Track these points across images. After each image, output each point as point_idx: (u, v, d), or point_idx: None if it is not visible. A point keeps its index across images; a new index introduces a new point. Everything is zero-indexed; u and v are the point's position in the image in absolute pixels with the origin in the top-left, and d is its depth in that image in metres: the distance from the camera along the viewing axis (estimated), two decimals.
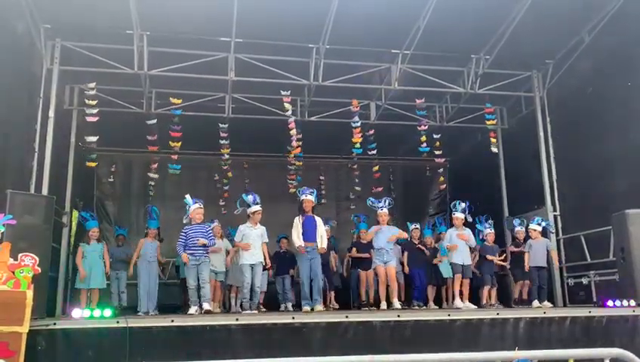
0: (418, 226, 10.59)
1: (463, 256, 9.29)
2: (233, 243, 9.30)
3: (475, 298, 9.73)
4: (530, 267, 9.48)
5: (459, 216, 9.41)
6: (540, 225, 9.69)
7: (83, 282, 8.84)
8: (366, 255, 9.88)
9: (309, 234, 8.37)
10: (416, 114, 11.65)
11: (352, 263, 10.61)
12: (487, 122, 11.63)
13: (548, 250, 9.59)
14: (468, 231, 9.42)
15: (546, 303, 9.31)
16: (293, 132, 11.24)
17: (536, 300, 9.30)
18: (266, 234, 8.54)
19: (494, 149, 11.87)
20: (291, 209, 9.32)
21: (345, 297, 11.07)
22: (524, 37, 9.50)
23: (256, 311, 8.26)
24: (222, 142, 11.70)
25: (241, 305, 8.63)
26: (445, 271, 10.10)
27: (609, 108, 9.36)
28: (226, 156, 12.16)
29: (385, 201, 9.31)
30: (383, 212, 9.17)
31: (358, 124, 11.30)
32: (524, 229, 9.94)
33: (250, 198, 8.56)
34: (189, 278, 8.01)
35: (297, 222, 8.46)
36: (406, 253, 10.28)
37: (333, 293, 10.65)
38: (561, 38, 10.06)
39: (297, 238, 8.35)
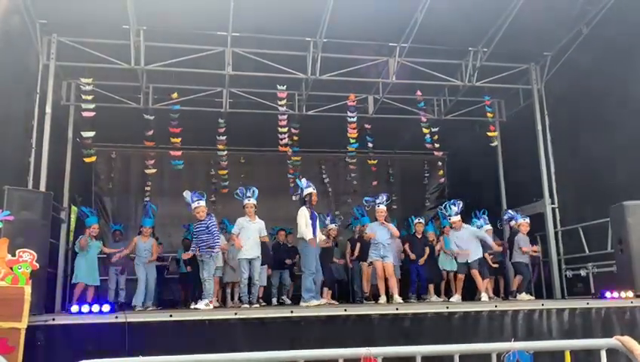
0: (422, 221, 10.57)
1: (473, 254, 9.32)
2: (228, 237, 9.31)
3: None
4: (521, 262, 9.57)
5: (455, 219, 9.45)
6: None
7: (79, 277, 8.88)
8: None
9: (314, 228, 8.36)
10: (415, 107, 11.63)
11: (355, 257, 10.60)
12: (487, 114, 11.61)
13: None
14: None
15: (524, 295, 9.37)
16: (284, 129, 11.23)
17: (524, 293, 9.38)
18: (264, 229, 8.55)
19: (494, 143, 11.84)
20: (288, 203, 9.32)
21: (345, 290, 11.10)
22: (521, 29, 9.48)
23: (257, 305, 8.29)
24: (219, 138, 11.69)
25: (239, 299, 8.64)
26: (449, 265, 10.15)
27: (607, 100, 9.35)
28: (224, 152, 12.15)
29: (382, 197, 9.32)
30: (381, 208, 9.17)
31: (354, 118, 11.27)
32: (528, 220, 9.93)
33: (242, 191, 8.58)
34: (199, 272, 8.20)
35: (306, 213, 8.34)
36: (407, 245, 10.31)
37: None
38: (559, 30, 10.04)
39: (307, 229, 8.25)
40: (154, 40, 9.44)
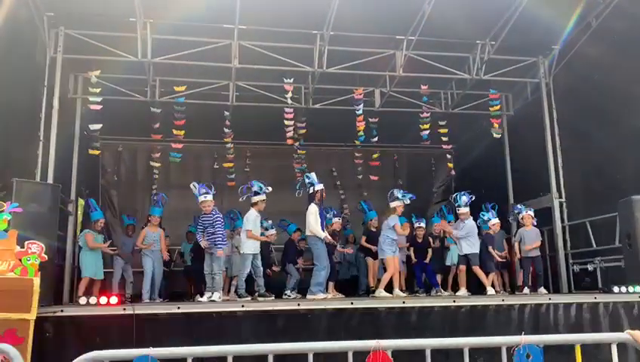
0: (423, 225, 10.55)
1: (470, 247, 9.36)
2: (233, 228, 9.35)
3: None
4: (524, 256, 9.58)
5: (463, 210, 9.45)
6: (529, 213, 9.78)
7: (87, 273, 8.94)
8: (375, 248, 9.88)
9: (322, 225, 8.43)
10: (422, 101, 11.59)
11: (361, 251, 10.62)
12: (492, 108, 11.56)
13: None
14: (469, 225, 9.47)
15: (542, 289, 9.36)
16: (290, 123, 11.22)
17: (526, 287, 9.42)
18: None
19: (496, 135, 11.77)
20: (294, 197, 9.31)
21: (352, 284, 11.11)
22: (529, 22, 9.39)
23: (271, 296, 8.34)
24: (226, 130, 11.69)
25: (236, 292, 8.68)
26: (450, 258, 10.16)
27: (616, 93, 9.27)
28: (230, 145, 12.16)
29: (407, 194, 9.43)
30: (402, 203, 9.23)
31: (360, 112, 11.24)
32: (532, 213, 9.90)
33: (256, 186, 8.58)
34: (204, 265, 8.24)
35: (316, 210, 8.39)
36: (412, 249, 10.45)
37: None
38: (567, 23, 9.94)
39: (318, 226, 8.31)
40: (160, 33, 9.43)
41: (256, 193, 8.53)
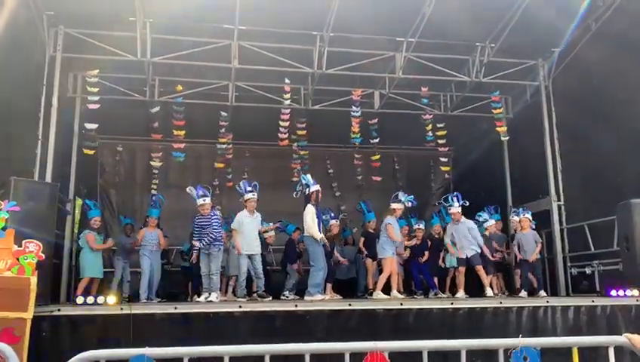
0: (422, 226, 10.54)
1: (466, 250, 9.33)
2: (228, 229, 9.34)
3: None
4: (521, 259, 9.59)
5: (455, 211, 9.43)
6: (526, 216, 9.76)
7: (87, 273, 8.92)
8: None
9: (319, 226, 8.42)
10: (421, 103, 11.59)
11: (360, 252, 10.63)
12: (494, 110, 11.56)
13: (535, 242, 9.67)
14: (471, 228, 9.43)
15: (542, 292, 9.35)
16: (285, 123, 11.22)
17: (522, 290, 9.41)
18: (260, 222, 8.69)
19: (504, 138, 11.77)
20: (293, 197, 9.30)
21: (351, 285, 11.10)
22: (529, 25, 9.40)
23: (269, 298, 8.32)
24: (221, 131, 11.67)
25: (233, 292, 8.66)
26: (452, 261, 10.15)
27: (615, 97, 9.27)
28: (225, 146, 12.15)
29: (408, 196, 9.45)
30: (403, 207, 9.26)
31: (358, 113, 11.26)
32: (529, 216, 9.89)
33: (242, 186, 8.56)
34: (201, 266, 8.21)
35: (313, 210, 8.39)
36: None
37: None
38: (567, 26, 9.95)
39: (316, 227, 8.30)
40: (160, 32, 9.42)
41: (249, 191, 8.54)
